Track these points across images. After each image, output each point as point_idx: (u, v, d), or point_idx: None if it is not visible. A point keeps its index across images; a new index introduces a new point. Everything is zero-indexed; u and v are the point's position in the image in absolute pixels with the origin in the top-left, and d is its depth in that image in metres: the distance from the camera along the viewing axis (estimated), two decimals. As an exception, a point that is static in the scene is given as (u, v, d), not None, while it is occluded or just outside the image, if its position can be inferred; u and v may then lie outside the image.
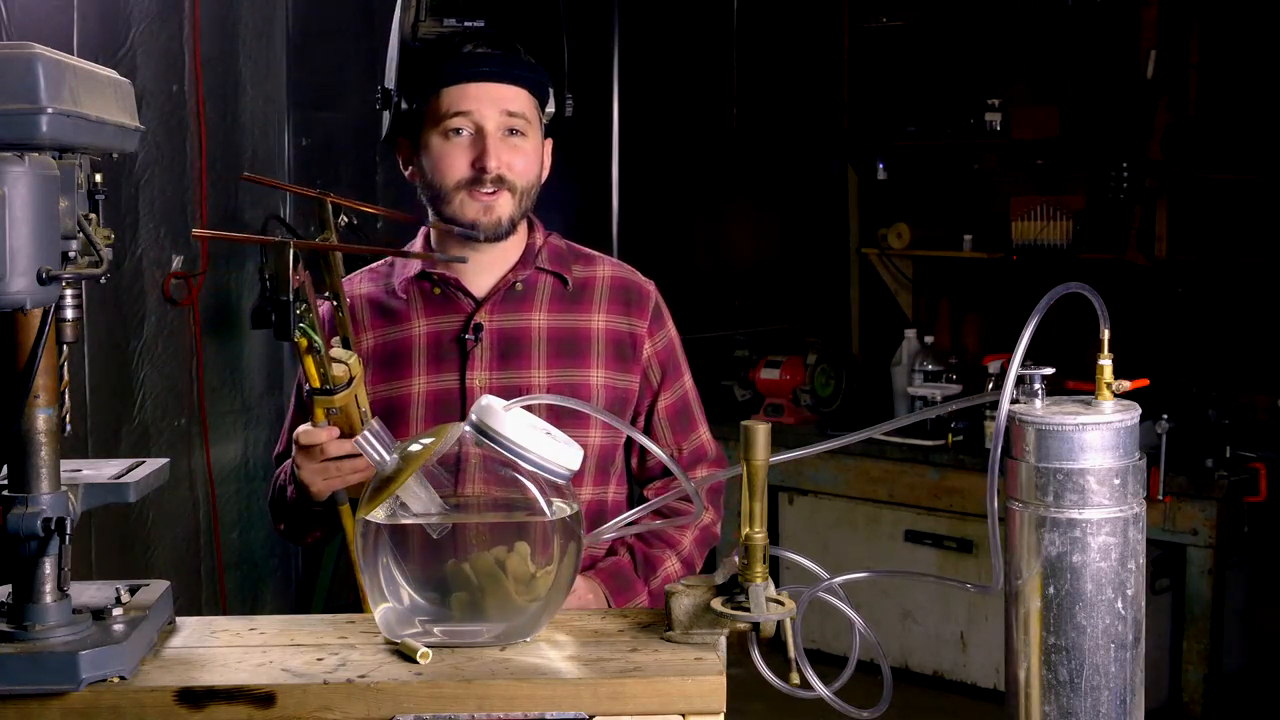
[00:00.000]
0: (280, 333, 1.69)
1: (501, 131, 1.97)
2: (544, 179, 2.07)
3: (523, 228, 2.07)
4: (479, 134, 1.96)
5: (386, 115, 2.05)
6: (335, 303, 1.88)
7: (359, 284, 2.12)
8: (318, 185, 4.27)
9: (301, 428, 1.88)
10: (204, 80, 3.88)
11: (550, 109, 2.06)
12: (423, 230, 2.10)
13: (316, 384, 1.80)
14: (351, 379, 1.82)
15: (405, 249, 2.12)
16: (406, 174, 2.06)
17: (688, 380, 2.15)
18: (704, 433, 2.16)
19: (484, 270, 2.04)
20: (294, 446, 1.89)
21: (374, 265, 2.15)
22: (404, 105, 2.01)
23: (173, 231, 3.82)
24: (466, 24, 2.02)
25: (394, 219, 2.05)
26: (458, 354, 2.01)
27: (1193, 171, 4.49)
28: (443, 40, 2.01)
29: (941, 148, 5.15)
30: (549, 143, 2.08)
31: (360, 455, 1.83)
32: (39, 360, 1.36)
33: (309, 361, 1.78)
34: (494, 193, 1.96)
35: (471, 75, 1.96)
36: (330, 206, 1.85)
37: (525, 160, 1.99)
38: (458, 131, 1.96)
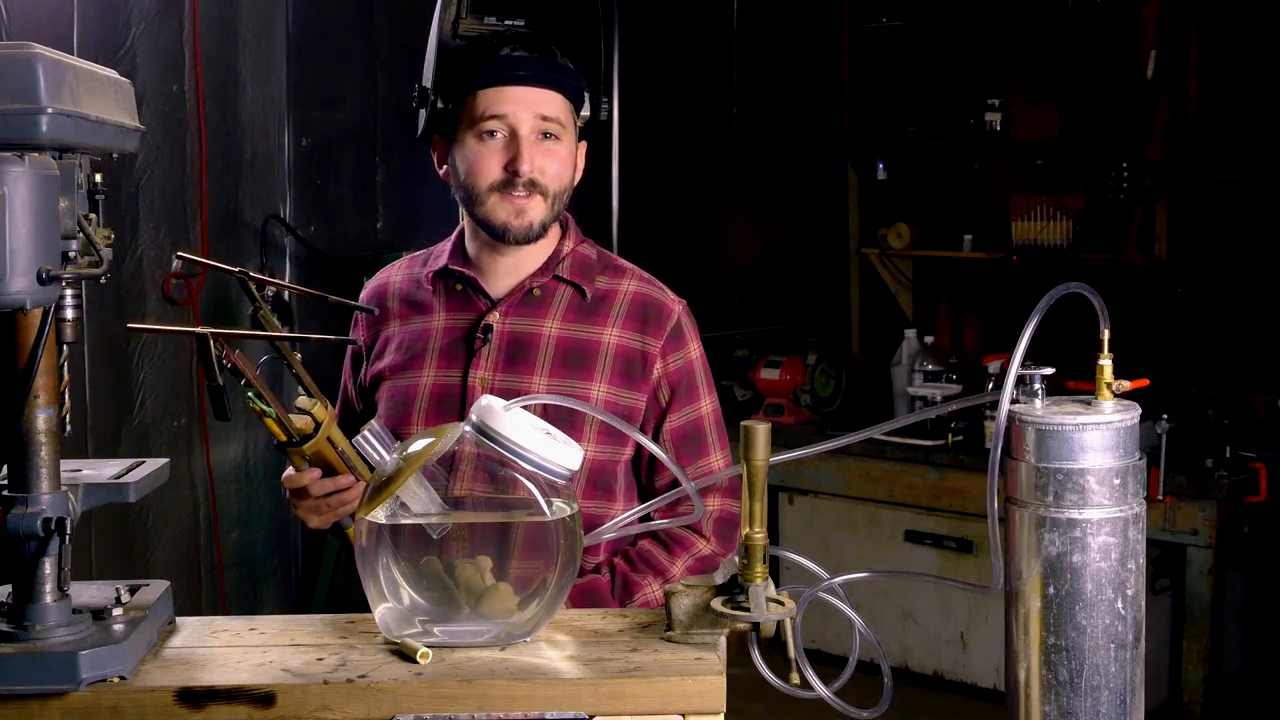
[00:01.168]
0: (218, 414, 1.71)
1: (535, 135, 1.97)
2: (577, 181, 2.07)
3: (554, 233, 2.06)
4: (513, 137, 1.96)
5: (423, 113, 2.05)
6: (287, 362, 1.88)
7: (395, 273, 2.15)
8: (316, 184, 4.32)
9: (285, 474, 1.91)
10: (204, 80, 3.88)
11: (585, 112, 2.06)
12: (458, 229, 2.11)
13: (282, 439, 1.82)
14: (318, 425, 1.83)
15: (442, 244, 2.13)
16: (441, 172, 2.07)
17: (706, 405, 2.07)
18: (716, 461, 2.07)
19: (505, 273, 2.05)
20: (285, 490, 1.93)
21: (415, 254, 2.17)
22: (440, 104, 2.01)
23: (173, 231, 3.82)
24: (507, 22, 2.02)
25: (305, 296, 2.05)
26: (465, 351, 2.02)
27: (1193, 171, 4.49)
28: (481, 41, 2.01)
29: (941, 148, 5.15)
30: (582, 145, 2.08)
31: (349, 489, 1.86)
32: (39, 360, 1.36)
33: (269, 423, 1.80)
34: (526, 196, 1.96)
35: (507, 78, 1.96)
36: (252, 283, 1.85)
37: (558, 164, 1.99)
38: (492, 134, 1.96)
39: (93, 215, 1.39)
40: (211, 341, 1.68)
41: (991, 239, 5.01)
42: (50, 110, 1.26)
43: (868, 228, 5.42)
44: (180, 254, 2.07)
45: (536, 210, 1.98)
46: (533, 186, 1.96)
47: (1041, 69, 4.91)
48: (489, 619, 1.50)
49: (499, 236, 1.99)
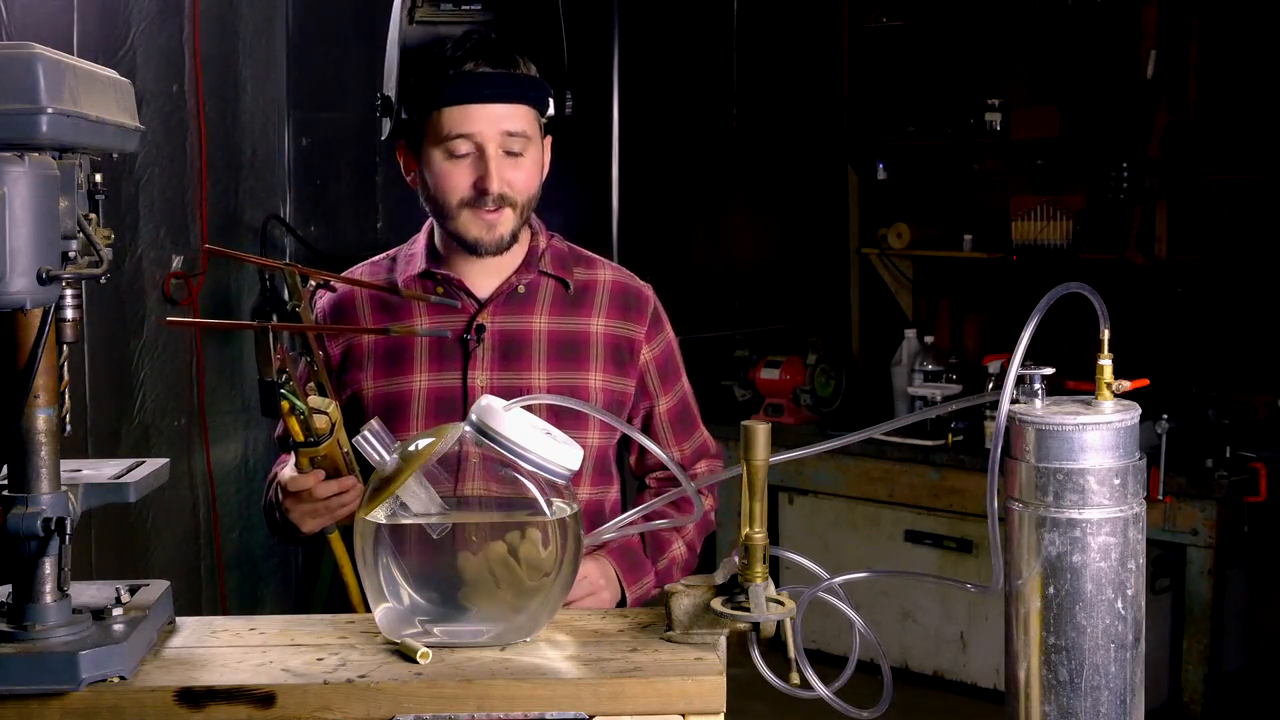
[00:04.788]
0: (267, 410, 1.71)
1: (501, 150, 1.97)
2: (544, 179, 2.08)
3: (524, 231, 2.08)
4: (480, 154, 1.96)
5: (387, 120, 2.06)
6: (308, 359, 1.87)
7: (359, 278, 2.13)
8: (316, 184, 4.32)
9: (288, 475, 1.89)
10: (204, 80, 3.88)
11: (550, 111, 2.06)
12: (425, 228, 2.11)
13: (301, 438, 1.81)
14: (333, 425, 1.83)
15: (405, 248, 2.13)
16: (408, 179, 2.07)
17: (685, 382, 2.18)
18: (703, 430, 2.20)
19: (487, 272, 2.06)
20: (280, 491, 1.91)
21: (375, 260, 2.16)
22: (404, 115, 2.02)
23: (173, 231, 3.82)
24: (464, 7, 2.03)
25: (350, 285, 2.06)
26: (460, 354, 2.02)
27: (1193, 171, 4.49)
28: (441, 51, 2.00)
29: (941, 148, 5.14)
30: (548, 141, 2.08)
31: (348, 492, 1.85)
32: (39, 360, 1.36)
33: (293, 422, 1.79)
34: (496, 210, 1.98)
35: (473, 96, 1.96)
36: (298, 275, 1.85)
37: (525, 175, 2.00)
38: (460, 152, 1.97)
39: (93, 215, 1.39)
40: (270, 336, 1.68)
41: (991, 239, 5.01)
42: (50, 110, 1.26)
43: (868, 228, 5.42)
44: (210, 246, 2.08)
45: (507, 223, 1.99)
46: (502, 201, 1.97)
47: (1041, 69, 4.91)
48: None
49: (472, 250, 2.01)
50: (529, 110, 2.00)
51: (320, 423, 1.81)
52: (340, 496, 1.86)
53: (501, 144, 1.97)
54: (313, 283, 1.88)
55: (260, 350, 1.69)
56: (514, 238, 2.01)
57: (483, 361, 2.02)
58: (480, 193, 1.96)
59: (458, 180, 1.97)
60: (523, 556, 1.50)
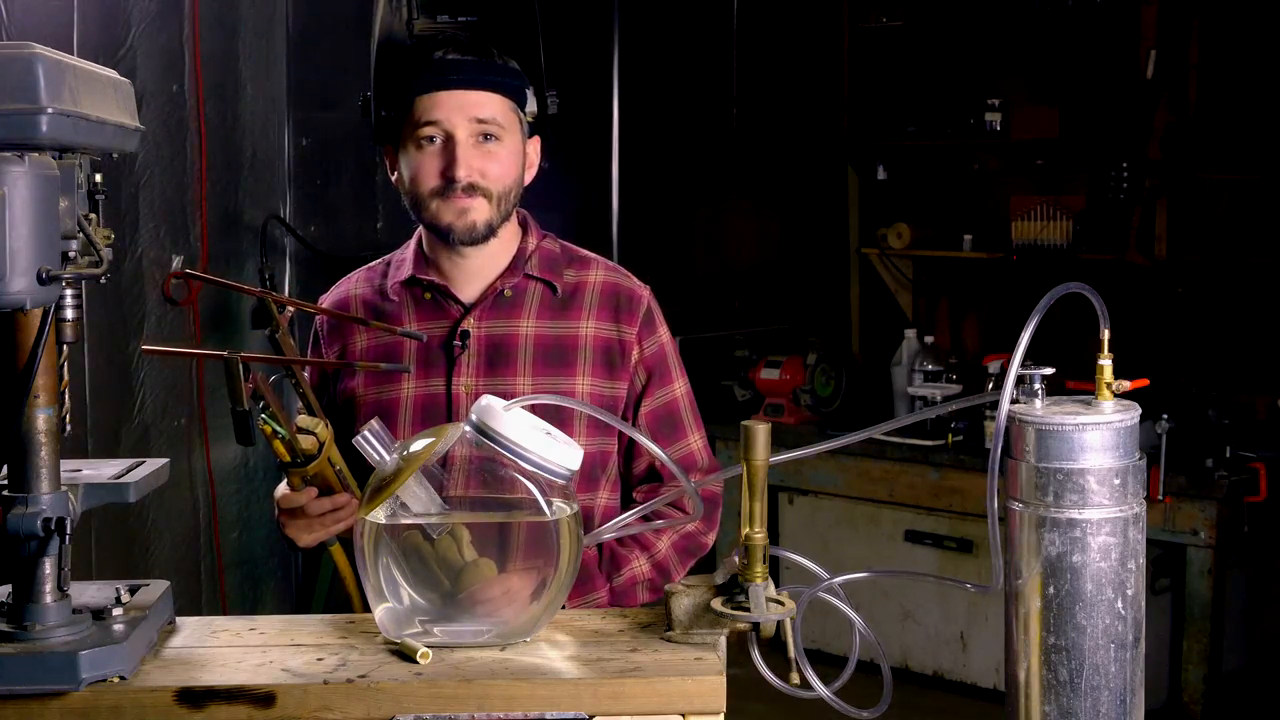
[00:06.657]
0: (241, 439, 1.71)
1: (473, 138, 1.96)
2: (530, 178, 2.07)
3: (514, 232, 2.06)
4: (449, 142, 1.96)
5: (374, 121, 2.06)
6: (294, 381, 1.87)
7: (356, 284, 2.13)
8: (316, 184, 4.32)
9: (281, 493, 1.89)
10: (204, 80, 3.88)
11: (532, 108, 2.05)
12: (417, 232, 2.10)
13: (287, 459, 1.81)
14: (321, 444, 1.82)
15: (399, 253, 2.12)
16: (393, 179, 2.07)
17: (679, 388, 2.10)
18: (694, 442, 2.11)
19: (473, 276, 2.04)
20: (276, 508, 1.91)
21: (372, 265, 2.15)
22: (382, 113, 2.03)
23: (173, 231, 3.82)
24: (460, 18, 2.03)
25: (333, 317, 2.06)
26: (445, 359, 2.01)
27: (1193, 171, 4.49)
28: (419, 46, 2.01)
29: (941, 148, 5.15)
30: (535, 141, 2.07)
31: (343, 508, 1.84)
32: (39, 360, 1.36)
33: (277, 445, 1.79)
34: (468, 198, 1.96)
35: (440, 84, 1.96)
36: (273, 302, 1.84)
37: (500, 165, 1.98)
38: (430, 140, 1.97)
39: (93, 215, 1.39)
40: (240, 365, 1.68)
41: (991, 239, 5.01)
42: (50, 110, 1.26)
43: (868, 228, 5.42)
44: (190, 270, 2.08)
45: (480, 211, 1.97)
46: (473, 190, 1.96)
47: (1041, 69, 4.91)
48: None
49: (445, 238, 1.99)
50: (502, 100, 1.99)
51: (306, 443, 1.80)
52: (335, 513, 1.86)
53: (472, 131, 1.96)
54: (289, 310, 1.87)
55: (231, 379, 1.68)
56: (490, 228, 1.99)
57: (468, 367, 2.00)
58: (448, 180, 1.95)
59: (428, 169, 1.97)
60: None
